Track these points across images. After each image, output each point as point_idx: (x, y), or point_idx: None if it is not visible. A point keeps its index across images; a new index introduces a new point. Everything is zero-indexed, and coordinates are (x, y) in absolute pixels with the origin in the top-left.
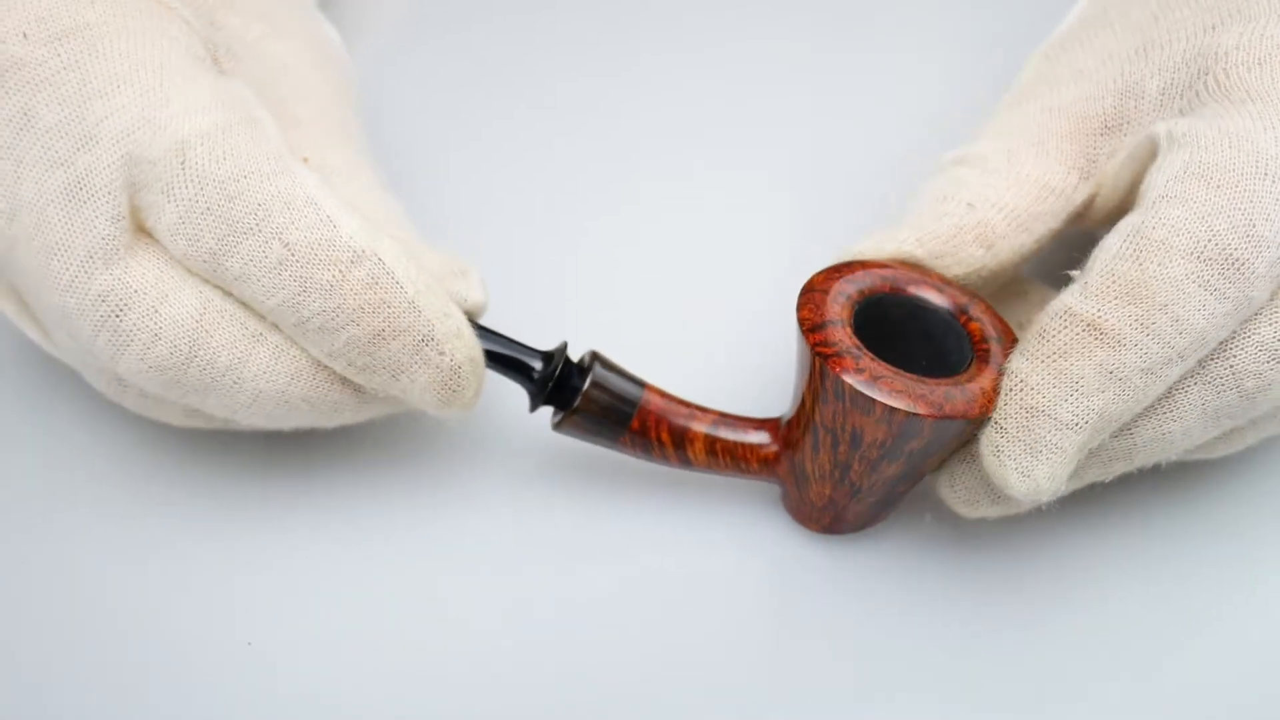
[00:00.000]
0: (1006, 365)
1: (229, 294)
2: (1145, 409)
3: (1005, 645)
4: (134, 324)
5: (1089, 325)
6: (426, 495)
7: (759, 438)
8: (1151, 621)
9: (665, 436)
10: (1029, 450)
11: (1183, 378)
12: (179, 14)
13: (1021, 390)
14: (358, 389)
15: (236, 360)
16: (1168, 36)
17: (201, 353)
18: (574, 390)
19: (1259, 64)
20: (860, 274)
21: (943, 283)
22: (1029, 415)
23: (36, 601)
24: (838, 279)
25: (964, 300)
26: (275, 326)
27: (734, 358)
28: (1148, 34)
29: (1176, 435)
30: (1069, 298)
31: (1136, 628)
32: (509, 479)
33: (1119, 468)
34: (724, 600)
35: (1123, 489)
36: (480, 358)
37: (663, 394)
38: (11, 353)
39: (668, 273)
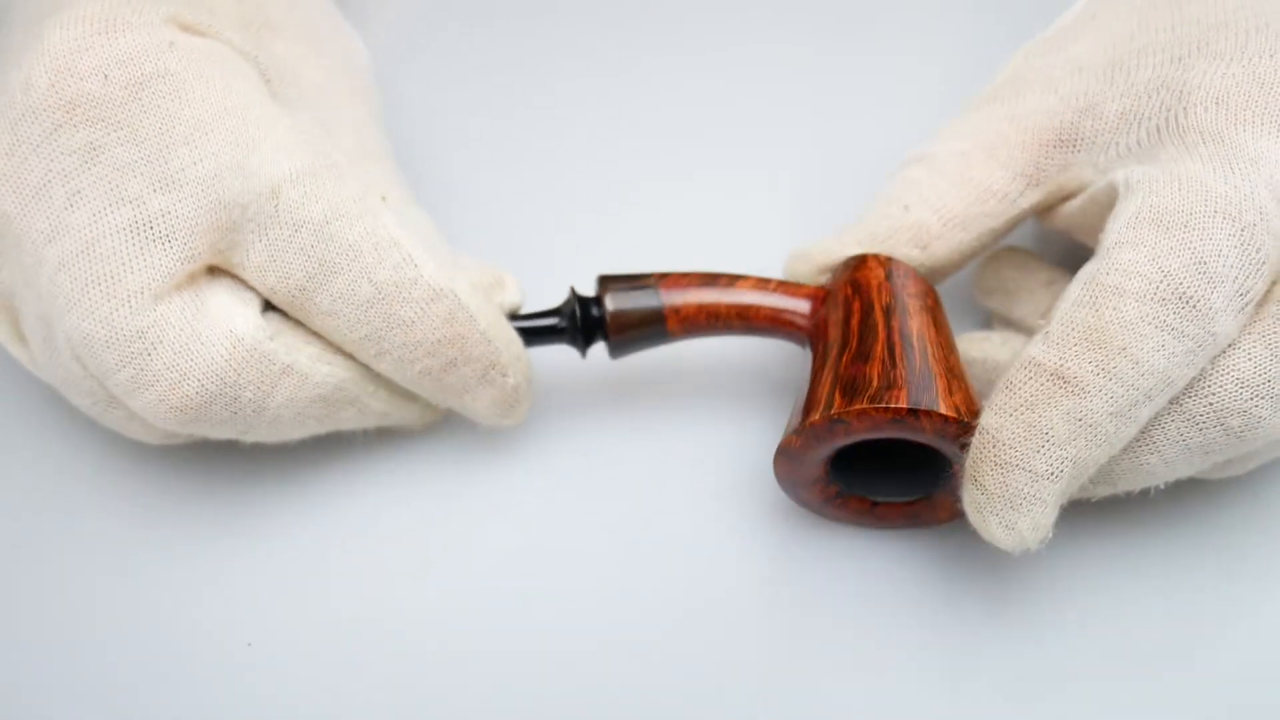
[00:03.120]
0: (979, 422)
1: (260, 324)
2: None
3: (999, 640)
4: (163, 364)
5: (1053, 375)
6: (425, 494)
7: (799, 306)
8: (1150, 630)
9: (702, 317)
10: (1009, 505)
11: (1158, 415)
12: (241, 51)
13: (994, 446)
14: (368, 402)
15: (262, 394)
16: (1137, 60)
17: (228, 391)
18: (601, 319)
19: (1216, 103)
20: (841, 436)
21: (945, 419)
22: (1004, 471)
23: (37, 603)
24: (816, 442)
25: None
26: (302, 355)
27: (734, 355)
28: (1119, 52)
29: (1157, 467)
30: (1033, 348)
31: (1133, 636)
32: (509, 475)
33: (1102, 491)
34: (723, 580)
35: (1121, 499)
36: (531, 376)
37: (684, 278)
38: (6, 357)
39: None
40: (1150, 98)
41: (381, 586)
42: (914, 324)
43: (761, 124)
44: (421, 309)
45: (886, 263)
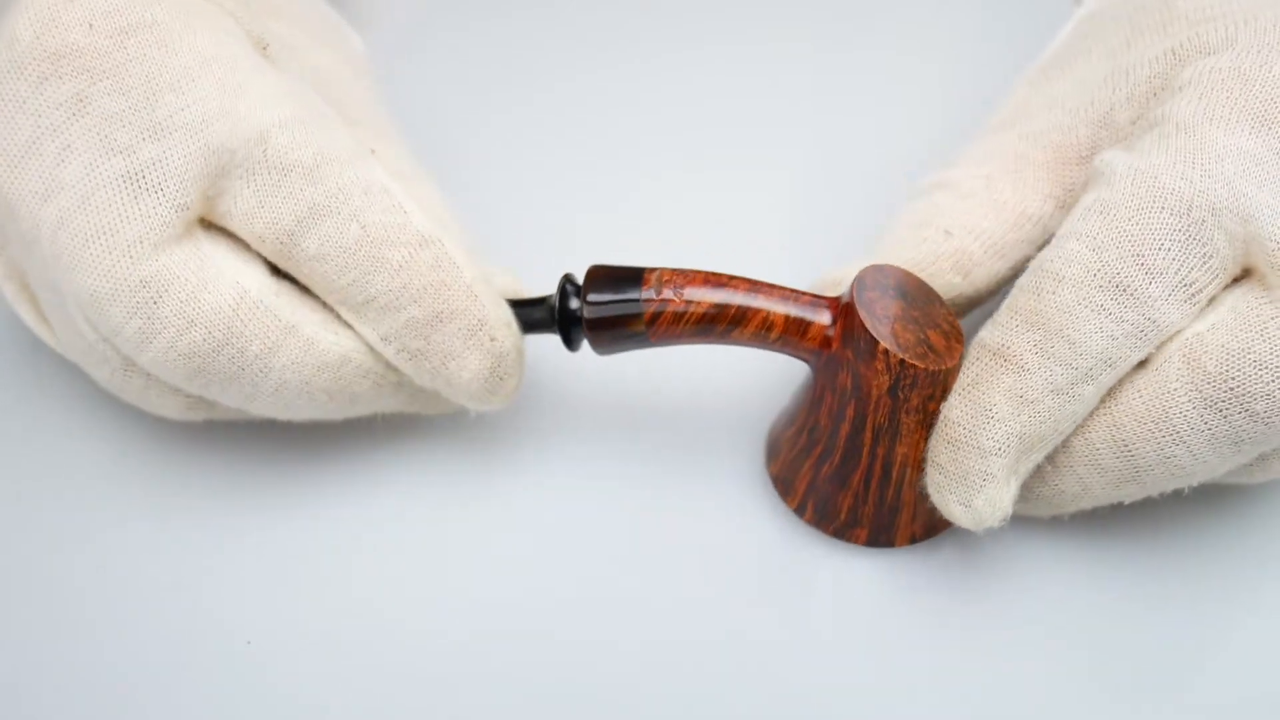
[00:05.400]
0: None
1: (267, 283)
2: (1145, 428)
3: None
4: (170, 310)
5: (995, 354)
6: (426, 495)
7: (821, 317)
8: (1152, 646)
9: (692, 323)
10: (963, 482)
11: (1177, 400)
12: (231, 13)
13: (945, 424)
14: (377, 383)
15: (266, 350)
16: (1134, 65)
17: (234, 341)
18: (579, 314)
19: (1200, 97)
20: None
21: None
22: (955, 448)
23: (35, 600)
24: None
25: None
26: (308, 319)
27: (735, 352)
28: (1118, 61)
29: (1185, 460)
30: (982, 332)
31: (1132, 653)
32: (511, 476)
33: (1131, 490)
34: (718, 586)
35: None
36: (523, 349)
37: (683, 276)
38: (9, 347)
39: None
40: (1151, 99)
41: (380, 587)
42: (900, 450)
43: (766, 122)
44: (409, 253)
45: (896, 368)
